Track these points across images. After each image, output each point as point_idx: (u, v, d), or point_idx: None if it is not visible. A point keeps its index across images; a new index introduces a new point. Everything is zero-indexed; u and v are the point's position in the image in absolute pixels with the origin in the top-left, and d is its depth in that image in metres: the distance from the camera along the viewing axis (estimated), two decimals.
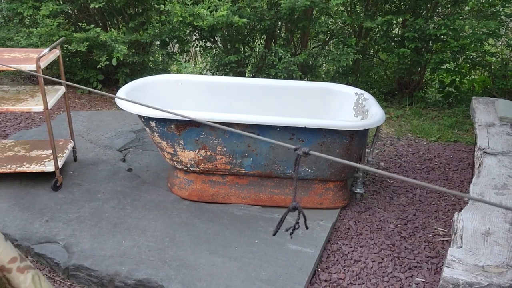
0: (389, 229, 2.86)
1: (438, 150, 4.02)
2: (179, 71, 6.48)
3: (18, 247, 2.56)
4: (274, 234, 0.93)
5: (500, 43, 5.47)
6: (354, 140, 2.77)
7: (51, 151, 3.20)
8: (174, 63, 6.14)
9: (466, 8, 4.82)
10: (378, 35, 5.19)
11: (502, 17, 4.78)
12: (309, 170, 2.84)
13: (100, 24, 5.19)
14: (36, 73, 1.61)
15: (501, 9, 4.73)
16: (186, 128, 2.76)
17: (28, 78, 5.63)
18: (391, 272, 2.48)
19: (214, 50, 5.33)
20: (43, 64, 2.79)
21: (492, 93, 5.02)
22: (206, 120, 2.63)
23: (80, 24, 4.85)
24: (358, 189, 3.10)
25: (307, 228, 0.93)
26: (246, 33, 5.24)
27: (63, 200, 2.94)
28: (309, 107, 3.43)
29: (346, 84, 4.99)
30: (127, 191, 3.07)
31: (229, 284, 2.25)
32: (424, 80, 5.38)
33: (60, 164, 3.04)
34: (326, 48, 5.49)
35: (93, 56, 4.91)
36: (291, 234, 0.97)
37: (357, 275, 2.44)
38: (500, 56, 5.19)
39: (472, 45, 4.69)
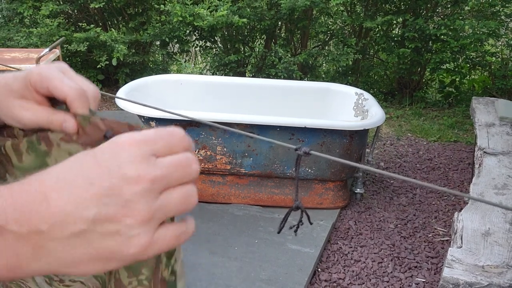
0: (389, 229, 2.86)
1: (438, 150, 4.02)
2: (179, 71, 6.47)
3: None
4: (278, 232, 0.93)
5: (500, 43, 5.47)
6: (354, 140, 2.77)
7: None
8: (174, 63, 6.14)
9: (466, 8, 4.82)
10: (378, 35, 5.19)
11: (502, 17, 4.78)
12: (309, 170, 2.84)
13: (100, 24, 5.19)
14: None
15: (501, 9, 4.73)
16: (186, 128, 2.76)
17: None
18: (391, 272, 2.47)
19: (214, 50, 5.33)
20: (43, 64, 2.79)
21: (492, 93, 5.01)
22: (206, 120, 2.63)
23: (80, 24, 4.85)
24: (358, 189, 3.10)
25: (311, 223, 0.94)
26: (246, 33, 5.24)
27: None
28: (309, 107, 3.43)
29: (346, 84, 4.99)
30: None
31: (229, 284, 2.25)
32: (424, 80, 5.38)
33: None
34: (326, 48, 5.49)
35: (93, 56, 4.91)
36: (295, 231, 0.99)
37: (357, 275, 2.44)
38: (500, 56, 5.19)
39: (472, 45, 4.68)
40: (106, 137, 0.49)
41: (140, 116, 2.82)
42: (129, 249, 0.34)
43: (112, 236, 0.34)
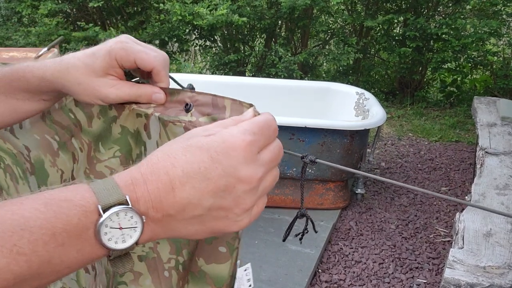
0: (390, 229, 2.84)
1: (440, 150, 3.99)
2: (178, 71, 6.45)
3: None
4: (284, 240, 0.91)
5: (502, 42, 5.45)
6: (355, 140, 2.75)
7: None
8: (174, 62, 6.12)
9: (468, 7, 4.81)
10: (379, 34, 5.17)
11: (504, 16, 4.77)
12: (310, 170, 2.82)
13: (99, 23, 5.18)
14: None
15: (502, 8, 4.71)
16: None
17: None
18: (392, 273, 2.46)
19: (213, 49, 5.31)
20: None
21: (494, 93, 4.99)
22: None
23: (79, 23, 4.83)
24: (358, 190, 3.08)
25: (316, 232, 0.92)
26: (246, 32, 5.22)
27: None
28: (310, 107, 3.41)
29: (346, 83, 4.97)
30: None
31: None
32: (425, 80, 5.36)
33: None
34: (327, 47, 5.47)
35: None
36: (300, 239, 0.97)
37: (358, 276, 2.42)
38: (502, 55, 5.17)
39: (474, 44, 4.67)
40: (186, 106, 0.54)
41: None
42: (233, 228, 0.44)
43: (221, 219, 0.43)
